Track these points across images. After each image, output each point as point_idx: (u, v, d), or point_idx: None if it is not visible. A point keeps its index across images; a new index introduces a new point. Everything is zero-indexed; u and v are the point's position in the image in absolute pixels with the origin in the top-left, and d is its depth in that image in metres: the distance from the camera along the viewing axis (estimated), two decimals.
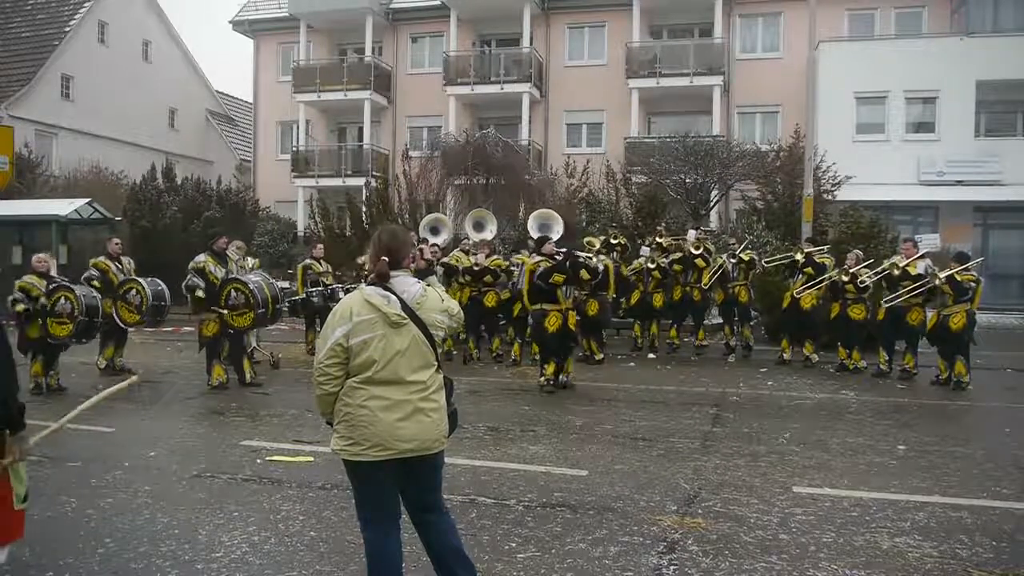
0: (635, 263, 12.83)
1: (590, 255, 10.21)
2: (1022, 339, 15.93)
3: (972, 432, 7.68)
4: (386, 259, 3.36)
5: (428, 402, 3.34)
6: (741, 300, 12.25)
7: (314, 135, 28.19)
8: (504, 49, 26.18)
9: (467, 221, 13.28)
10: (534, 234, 11.57)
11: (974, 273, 9.92)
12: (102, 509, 5.09)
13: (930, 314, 10.18)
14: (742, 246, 12.75)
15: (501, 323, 12.36)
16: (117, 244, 11.04)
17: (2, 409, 3.13)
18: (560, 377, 9.49)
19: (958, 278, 9.62)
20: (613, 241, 13.46)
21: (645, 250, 12.88)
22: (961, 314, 9.66)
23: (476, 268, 11.54)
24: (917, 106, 22.29)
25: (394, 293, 3.32)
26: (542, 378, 9.45)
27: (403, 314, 3.29)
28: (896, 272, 10.24)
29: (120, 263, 10.73)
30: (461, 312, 3.65)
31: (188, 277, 9.51)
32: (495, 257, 11.95)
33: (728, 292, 12.31)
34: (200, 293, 9.35)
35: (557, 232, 11.78)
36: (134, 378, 4.28)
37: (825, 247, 12.29)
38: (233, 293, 9.33)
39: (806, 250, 11.62)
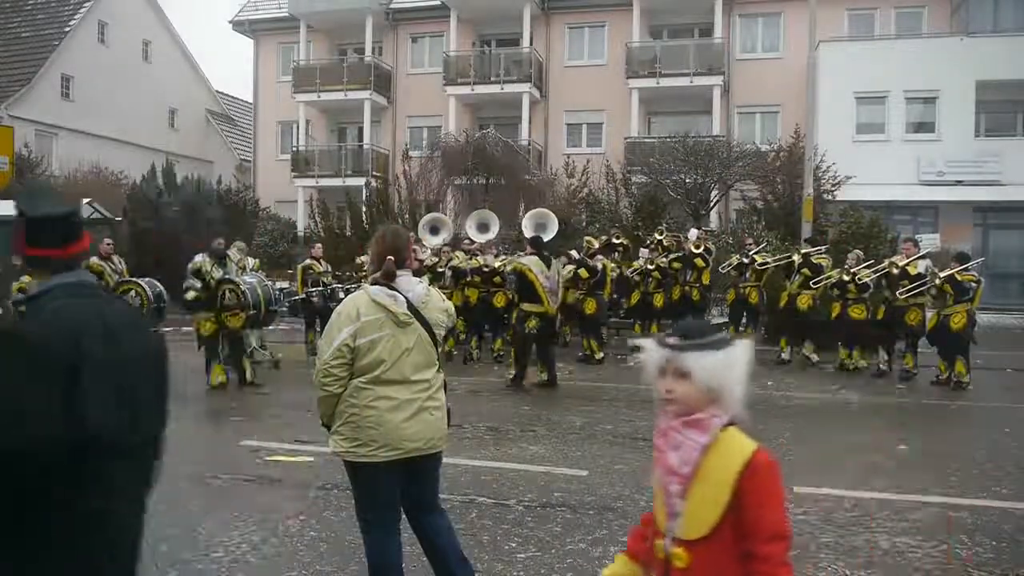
0: (635, 264, 12.84)
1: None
2: (1022, 339, 15.93)
3: (972, 432, 7.68)
4: (392, 259, 3.37)
5: (432, 401, 3.37)
6: (751, 301, 12.23)
7: (314, 135, 28.19)
8: (504, 49, 26.16)
9: (470, 222, 13.23)
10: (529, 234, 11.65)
11: (975, 273, 9.92)
12: None
13: (930, 314, 10.19)
14: (757, 248, 12.72)
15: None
16: (109, 244, 11.00)
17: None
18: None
19: (959, 278, 9.61)
20: (616, 241, 13.45)
21: (644, 251, 12.90)
22: (962, 314, 9.65)
23: (486, 269, 11.55)
24: (917, 106, 22.28)
25: (400, 292, 3.33)
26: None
27: (410, 313, 3.31)
28: (895, 271, 10.24)
29: (113, 263, 10.70)
30: (455, 311, 3.69)
31: (187, 279, 9.55)
32: (504, 258, 11.98)
33: (740, 292, 12.30)
34: (191, 295, 9.38)
35: (551, 231, 11.87)
36: None
37: (823, 247, 12.30)
38: (227, 294, 9.39)
39: (803, 251, 11.63)
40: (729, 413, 1.96)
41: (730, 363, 1.94)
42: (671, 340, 1.98)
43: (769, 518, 1.95)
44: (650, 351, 2.01)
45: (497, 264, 11.60)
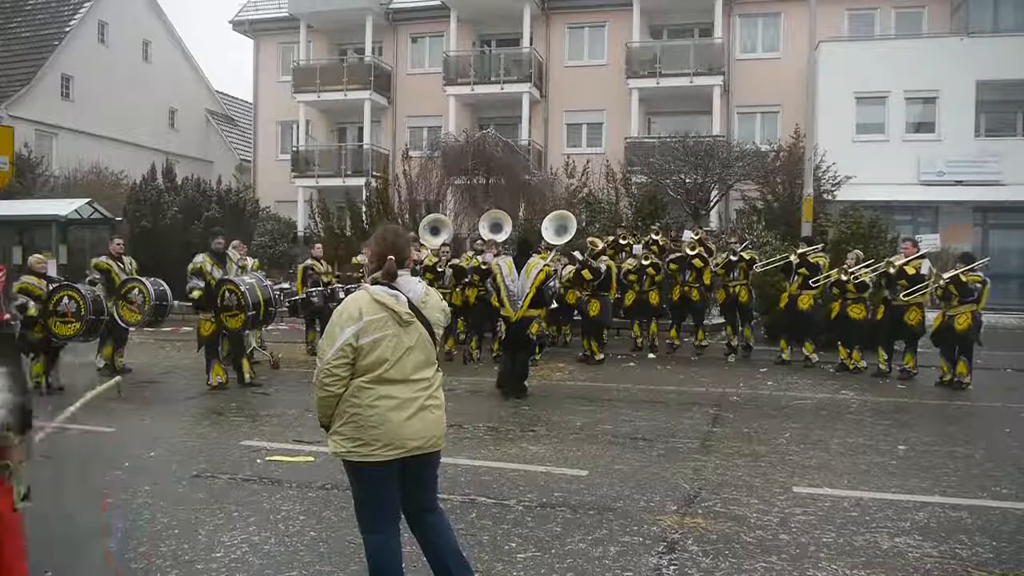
0: (626, 264, 12.78)
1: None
2: (1022, 339, 15.93)
3: (972, 432, 7.67)
4: (393, 258, 3.38)
5: (432, 399, 3.39)
6: (742, 300, 12.23)
7: (314, 135, 28.20)
8: (504, 49, 26.18)
9: (483, 222, 13.21)
10: (549, 235, 11.61)
11: (980, 274, 9.89)
12: None
13: (934, 315, 10.17)
14: (743, 245, 12.72)
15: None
16: (119, 244, 11.06)
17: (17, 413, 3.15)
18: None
19: (963, 279, 9.59)
20: (622, 242, 13.42)
21: (638, 248, 12.88)
22: (967, 315, 9.61)
23: (484, 267, 11.54)
24: (917, 106, 22.29)
25: (400, 292, 3.34)
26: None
27: (411, 312, 3.32)
28: (892, 271, 10.23)
29: (122, 263, 10.75)
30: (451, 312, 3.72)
31: (189, 281, 9.57)
32: (502, 256, 11.95)
33: (729, 291, 12.29)
34: (197, 293, 9.42)
35: (571, 232, 11.82)
36: (119, 378, 4.29)
37: (820, 246, 12.28)
38: (227, 294, 9.40)
39: (799, 251, 11.60)
40: None
41: None
42: None
43: None
44: None
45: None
